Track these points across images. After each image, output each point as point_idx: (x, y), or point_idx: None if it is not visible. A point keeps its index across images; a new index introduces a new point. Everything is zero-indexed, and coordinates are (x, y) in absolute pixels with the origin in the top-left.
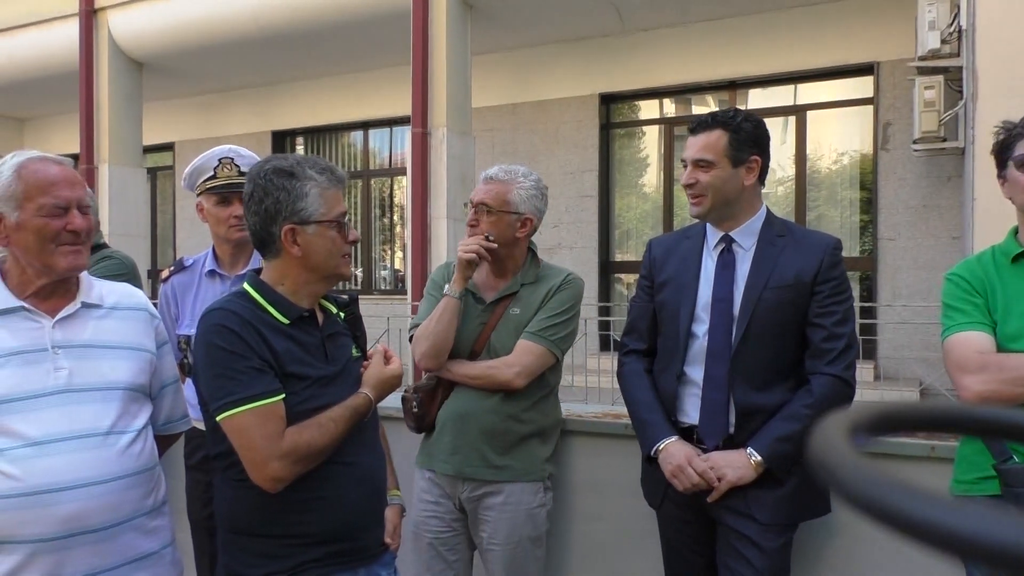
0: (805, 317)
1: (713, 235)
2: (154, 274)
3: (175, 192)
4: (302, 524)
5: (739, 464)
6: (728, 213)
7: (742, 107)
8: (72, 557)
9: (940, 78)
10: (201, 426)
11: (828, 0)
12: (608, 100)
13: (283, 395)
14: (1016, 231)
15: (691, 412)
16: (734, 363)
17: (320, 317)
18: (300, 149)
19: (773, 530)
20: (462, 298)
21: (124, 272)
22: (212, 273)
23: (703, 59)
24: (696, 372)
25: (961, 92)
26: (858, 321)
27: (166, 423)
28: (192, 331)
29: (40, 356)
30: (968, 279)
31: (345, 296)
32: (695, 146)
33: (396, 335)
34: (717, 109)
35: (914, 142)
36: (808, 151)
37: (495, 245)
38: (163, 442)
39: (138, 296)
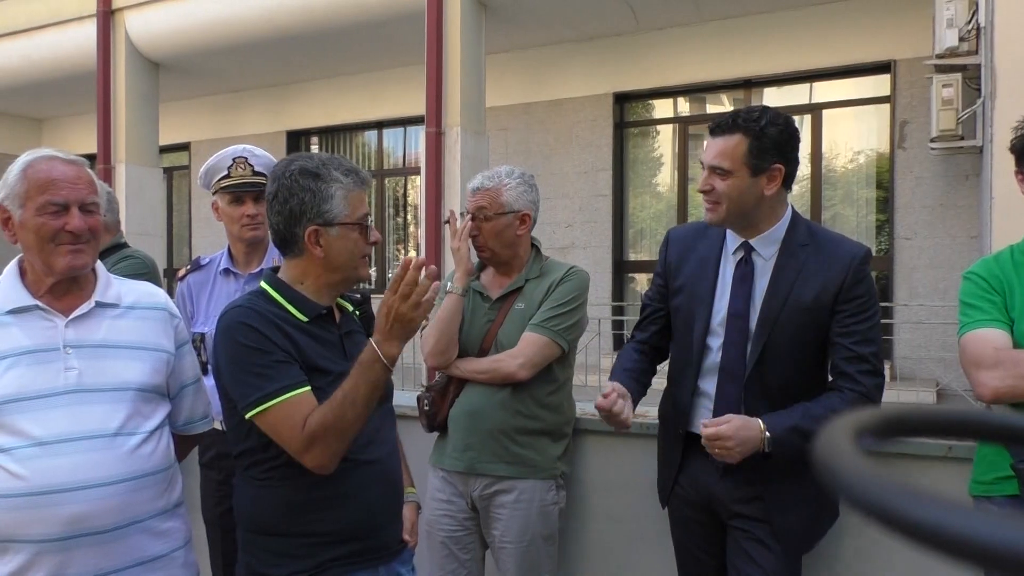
0: (827, 336)
1: (733, 240)
2: (170, 273)
3: (191, 191)
4: (324, 523)
5: (751, 433)
6: (747, 222)
7: (788, 127)
8: (77, 558)
9: (958, 76)
10: (216, 425)
11: None
12: (622, 99)
13: (309, 386)
14: None
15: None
16: (748, 382)
17: (337, 315)
18: (314, 149)
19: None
20: (465, 295)
21: (145, 271)
22: (226, 272)
23: (718, 58)
24: (710, 386)
25: (979, 90)
26: None
27: (187, 423)
28: (206, 329)
29: (51, 356)
30: (986, 277)
31: (358, 295)
32: (712, 151)
33: None
34: (736, 108)
35: (931, 141)
36: (824, 150)
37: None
38: (184, 442)
39: (158, 295)
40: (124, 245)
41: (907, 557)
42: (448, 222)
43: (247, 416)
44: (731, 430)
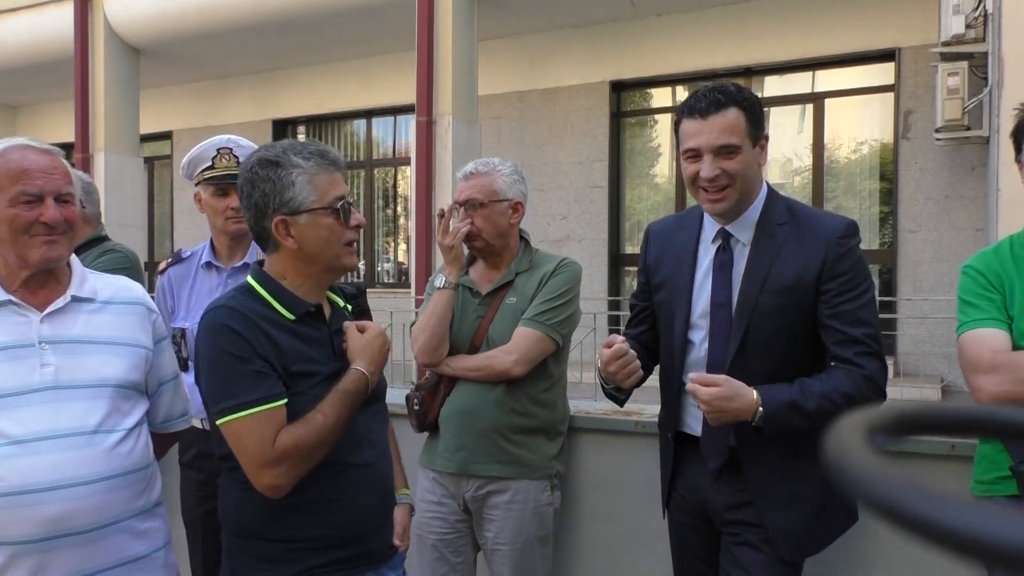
0: (816, 321)
1: (711, 227)
2: (151, 266)
3: (173, 182)
4: (310, 528)
5: (744, 401)
6: (745, 203)
7: (757, 95)
8: (56, 559)
9: (964, 64)
10: (196, 424)
11: None
12: (619, 88)
13: (285, 399)
14: None
15: (693, 424)
16: (731, 375)
17: (327, 311)
18: (301, 138)
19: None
20: (456, 289)
21: (128, 266)
22: (208, 265)
23: (718, 45)
24: None
25: (986, 79)
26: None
27: (165, 421)
28: (187, 324)
29: (26, 352)
30: (984, 273)
31: (352, 288)
32: (714, 130)
33: (400, 330)
34: (693, 92)
35: (936, 131)
36: (826, 140)
37: (473, 227)
38: (162, 440)
39: (135, 290)
40: (105, 238)
41: (913, 556)
42: (441, 216)
43: (216, 422)
44: (723, 380)
